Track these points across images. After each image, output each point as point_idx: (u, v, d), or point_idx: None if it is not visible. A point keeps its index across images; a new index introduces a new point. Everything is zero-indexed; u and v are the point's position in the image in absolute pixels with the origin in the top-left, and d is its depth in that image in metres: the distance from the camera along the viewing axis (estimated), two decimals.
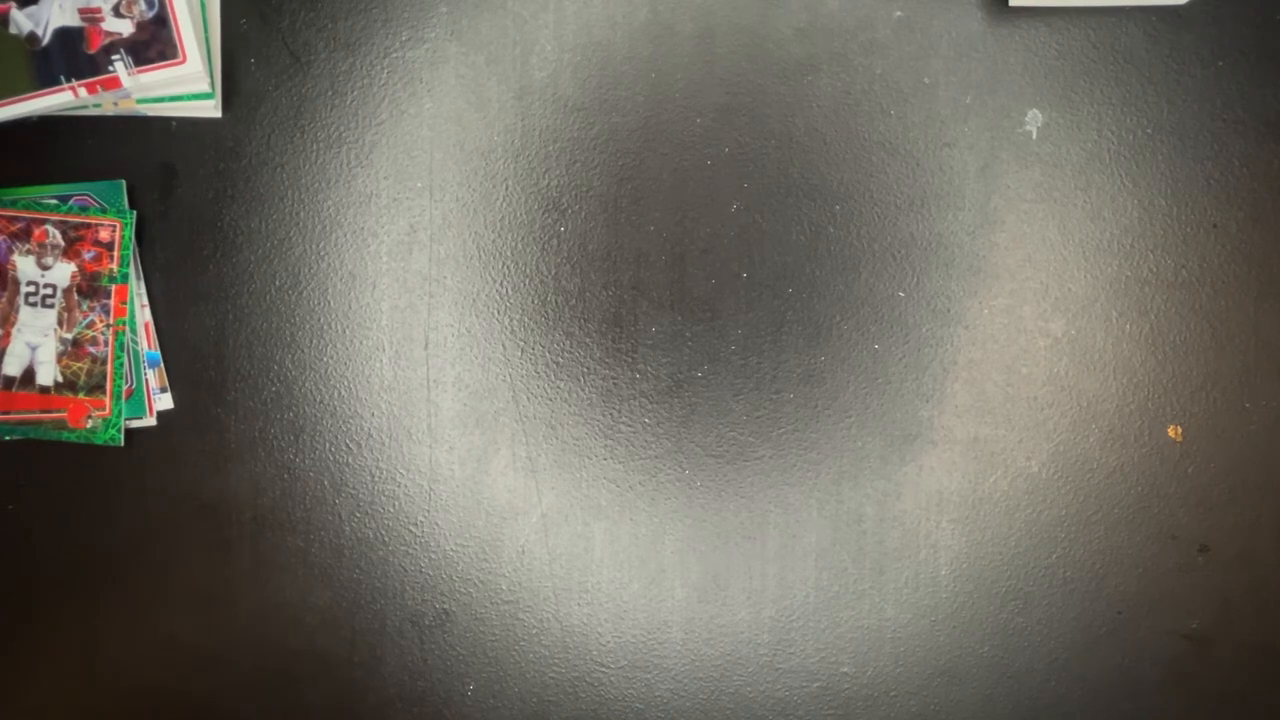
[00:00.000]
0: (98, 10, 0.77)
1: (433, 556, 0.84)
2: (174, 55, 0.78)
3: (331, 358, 0.83)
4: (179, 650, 0.84)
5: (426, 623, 0.84)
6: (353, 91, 0.82)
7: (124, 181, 0.81)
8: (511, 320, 0.83)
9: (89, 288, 0.80)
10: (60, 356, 0.80)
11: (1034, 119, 0.82)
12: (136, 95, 0.79)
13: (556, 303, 0.83)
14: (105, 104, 0.80)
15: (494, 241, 0.83)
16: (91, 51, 0.77)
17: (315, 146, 0.82)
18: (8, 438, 0.81)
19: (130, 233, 0.80)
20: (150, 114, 0.81)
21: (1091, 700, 0.85)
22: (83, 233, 0.80)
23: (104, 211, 0.80)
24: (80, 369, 0.80)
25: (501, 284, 0.83)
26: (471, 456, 0.83)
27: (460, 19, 0.82)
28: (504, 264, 0.83)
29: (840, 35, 0.81)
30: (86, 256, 0.80)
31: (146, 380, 0.81)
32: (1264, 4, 0.81)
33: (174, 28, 0.78)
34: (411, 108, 0.82)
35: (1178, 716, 0.85)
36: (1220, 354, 0.83)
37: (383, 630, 0.84)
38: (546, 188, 0.82)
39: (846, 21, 0.81)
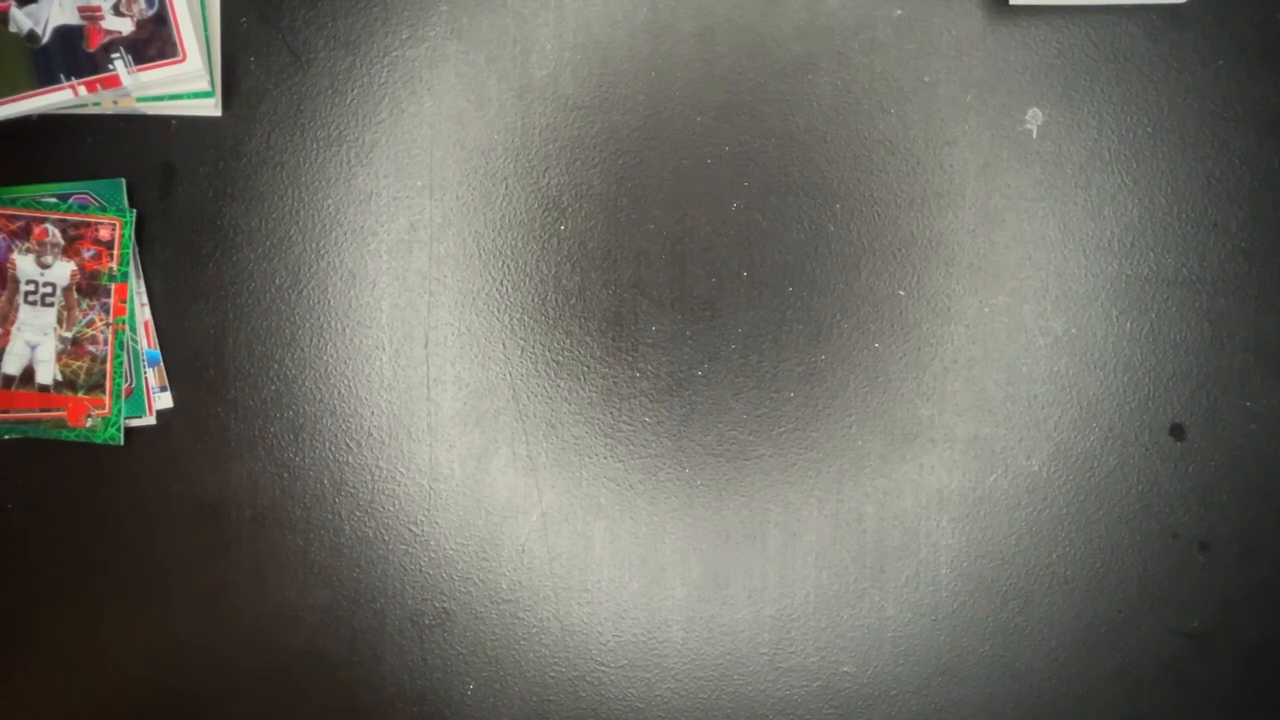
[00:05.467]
0: (97, 9, 0.77)
1: (433, 556, 0.84)
2: (174, 54, 0.78)
3: (331, 356, 0.83)
4: (179, 649, 0.84)
5: (426, 622, 0.84)
6: (353, 90, 0.82)
7: (124, 180, 0.81)
8: (511, 319, 0.83)
9: (89, 286, 0.80)
10: (60, 355, 0.80)
11: (1034, 117, 0.82)
12: (136, 94, 0.79)
13: (556, 301, 0.83)
14: (105, 102, 0.79)
15: (494, 240, 0.82)
16: (91, 50, 0.77)
17: (315, 145, 0.82)
18: (7, 437, 0.81)
19: (130, 231, 0.80)
20: (150, 112, 0.81)
21: (1091, 699, 0.84)
22: (82, 231, 0.80)
23: (104, 210, 0.80)
24: (80, 368, 0.80)
25: (501, 283, 0.83)
26: (471, 455, 0.83)
27: (460, 17, 0.82)
28: (504, 263, 0.83)
29: (840, 33, 0.81)
30: (86, 255, 0.80)
31: (146, 379, 0.81)
32: (1264, 2, 0.81)
33: (174, 26, 0.78)
34: (412, 106, 0.82)
35: (1178, 716, 0.85)
36: (1220, 353, 0.83)
37: (383, 630, 0.84)
38: (547, 186, 0.82)
39: (847, 20, 0.81)
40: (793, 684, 0.85)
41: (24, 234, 0.80)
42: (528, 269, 0.83)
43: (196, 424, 0.82)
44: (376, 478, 0.83)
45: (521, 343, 0.83)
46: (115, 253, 0.80)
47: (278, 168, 0.82)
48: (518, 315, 0.83)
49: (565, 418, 0.83)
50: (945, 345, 0.83)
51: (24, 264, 0.80)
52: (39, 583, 0.83)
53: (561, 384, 0.83)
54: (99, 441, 0.81)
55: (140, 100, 0.80)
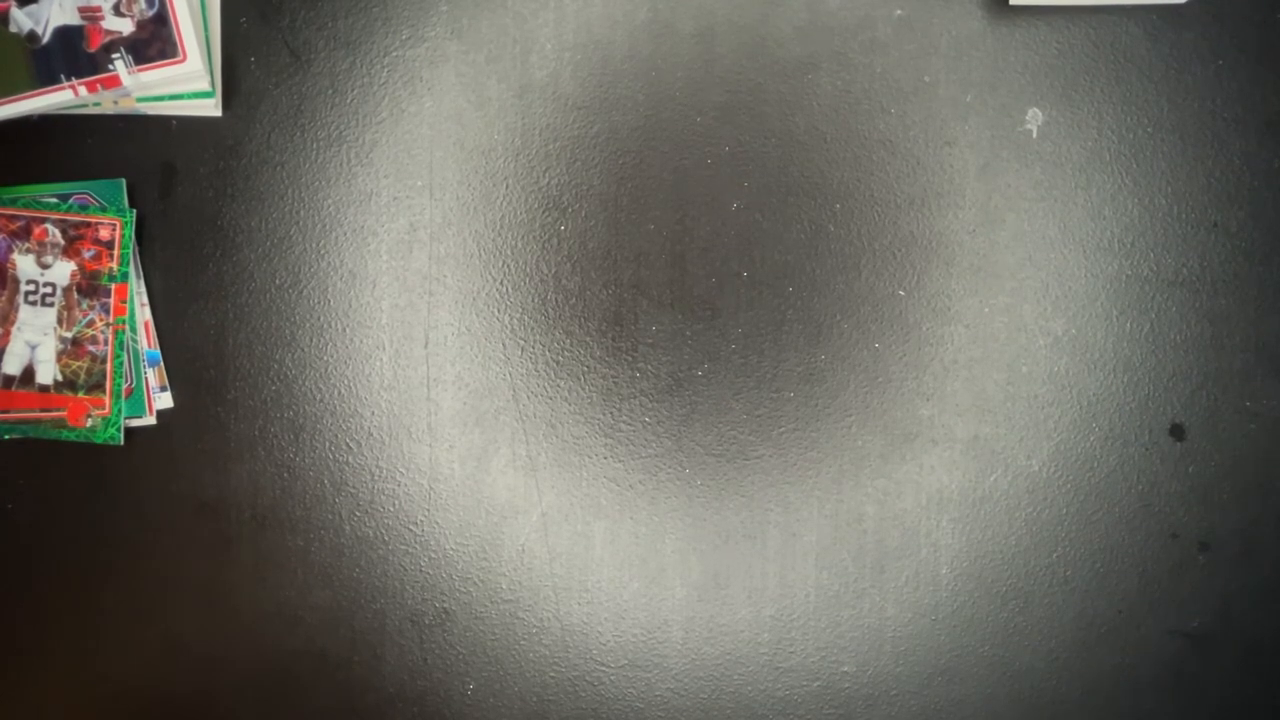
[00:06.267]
0: (98, 9, 0.77)
1: (433, 556, 0.84)
2: (174, 54, 0.78)
3: (331, 356, 0.83)
4: (179, 650, 0.84)
5: (426, 622, 0.84)
6: (353, 90, 0.82)
7: (124, 180, 0.81)
8: (512, 319, 0.83)
9: (89, 286, 0.80)
10: (60, 355, 0.80)
11: (1034, 117, 0.82)
12: (136, 94, 0.79)
13: (557, 301, 0.83)
14: (105, 103, 0.79)
15: (494, 240, 0.82)
16: (91, 50, 0.77)
17: (315, 145, 0.82)
18: (7, 437, 0.81)
19: (130, 231, 0.80)
20: (150, 113, 0.81)
21: (1091, 699, 0.84)
22: (83, 231, 0.80)
23: (104, 210, 0.80)
24: (80, 368, 0.80)
25: (502, 283, 0.83)
26: (471, 455, 0.83)
27: (460, 17, 0.82)
28: (504, 263, 0.83)
29: (840, 34, 0.81)
30: (86, 255, 0.80)
31: (146, 379, 0.81)
32: (1264, 2, 0.81)
33: (174, 26, 0.78)
34: (412, 106, 0.82)
35: (1178, 716, 0.85)
36: (1220, 353, 0.83)
37: (383, 630, 0.84)
38: (547, 186, 0.82)
39: (847, 20, 0.81)
40: (793, 684, 0.85)
41: (24, 234, 0.80)
42: (528, 269, 0.83)
43: (196, 424, 0.82)
44: (376, 478, 0.83)
45: (521, 343, 0.83)
46: (115, 253, 0.80)
47: (278, 168, 0.82)
48: (518, 315, 0.83)
49: (565, 418, 0.83)
50: (945, 345, 0.83)
51: (24, 264, 0.80)
52: (39, 583, 0.83)
53: (561, 384, 0.83)
54: (99, 441, 0.81)
55: (140, 100, 0.80)
